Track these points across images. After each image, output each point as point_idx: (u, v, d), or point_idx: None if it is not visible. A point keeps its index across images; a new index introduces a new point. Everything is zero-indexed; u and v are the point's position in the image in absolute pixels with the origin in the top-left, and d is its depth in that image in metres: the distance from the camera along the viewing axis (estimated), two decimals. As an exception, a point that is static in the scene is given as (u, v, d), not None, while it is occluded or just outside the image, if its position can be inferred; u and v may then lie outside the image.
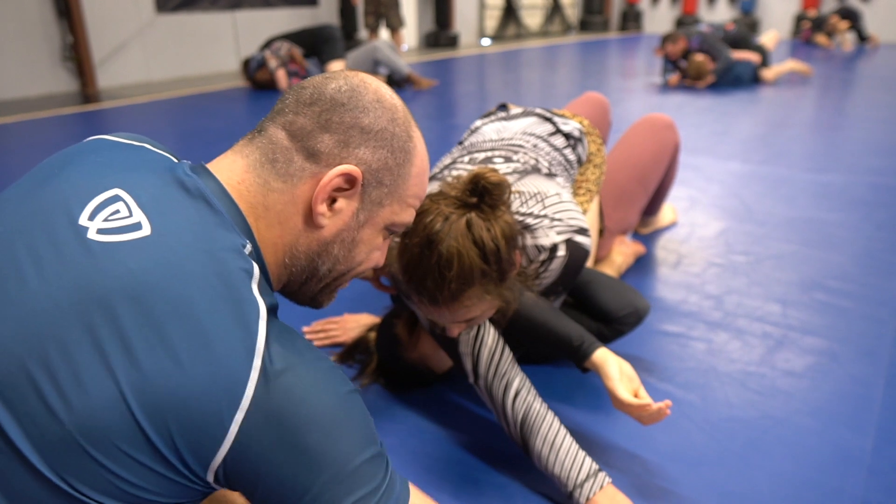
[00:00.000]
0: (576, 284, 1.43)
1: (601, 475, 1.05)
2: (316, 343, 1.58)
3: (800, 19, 9.82)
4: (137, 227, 0.59)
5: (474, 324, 1.11)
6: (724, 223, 2.36)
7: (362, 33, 7.54)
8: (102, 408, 0.53)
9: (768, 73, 5.47)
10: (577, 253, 1.25)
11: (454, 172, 1.38)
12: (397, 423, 1.30)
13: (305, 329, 1.63)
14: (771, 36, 5.85)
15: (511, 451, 1.21)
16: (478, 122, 1.68)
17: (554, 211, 1.26)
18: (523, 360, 1.47)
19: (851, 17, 8.43)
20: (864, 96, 5.02)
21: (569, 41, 10.38)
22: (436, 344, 1.35)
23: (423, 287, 0.99)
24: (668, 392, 1.39)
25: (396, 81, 5.44)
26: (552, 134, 1.58)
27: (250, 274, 0.60)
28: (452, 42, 9.07)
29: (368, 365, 1.45)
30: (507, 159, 1.42)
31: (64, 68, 5.56)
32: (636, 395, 1.09)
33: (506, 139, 1.52)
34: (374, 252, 0.76)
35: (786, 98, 4.94)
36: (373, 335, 1.49)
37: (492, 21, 10.45)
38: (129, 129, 4.11)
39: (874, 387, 1.39)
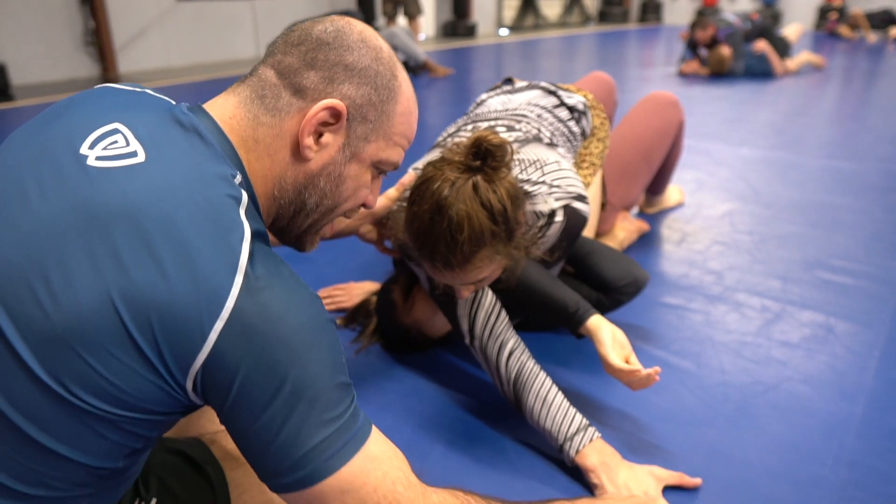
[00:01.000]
0: (576, 254, 1.46)
1: (591, 430, 1.09)
2: (322, 308, 1.63)
3: (825, 11, 9.70)
4: (133, 154, 0.63)
5: (483, 284, 1.13)
6: (730, 205, 2.37)
7: (380, 21, 7.57)
8: (91, 309, 0.57)
9: (790, 64, 5.44)
10: (574, 219, 1.28)
11: (456, 139, 1.42)
12: (395, 383, 1.34)
13: (312, 295, 1.68)
14: (794, 29, 5.80)
15: (504, 410, 1.24)
16: (483, 96, 1.71)
17: (553, 178, 1.29)
18: (523, 326, 1.51)
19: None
20: (884, 87, 4.96)
21: (587, 32, 10.33)
22: (430, 310, 1.39)
23: (436, 252, 1.01)
24: (663, 359, 1.41)
25: (412, 68, 5.47)
26: (556, 106, 1.60)
27: (238, 200, 0.64)
28: (470, 32, 9.07)
29: (368, 327, 1.49)
30: (510, 128, 1.45)
31: (86, 53, 5.66)
32: (627, 362, 1.13)
33: (510, 109, 1.55)
34: (361, 189, 0.79)
35: (803, 88, 4.91)
36: (374, 299, 1.53)
37: (510, 11, 10.43)
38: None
39: (869, 358, 1.41)
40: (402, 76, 0.78)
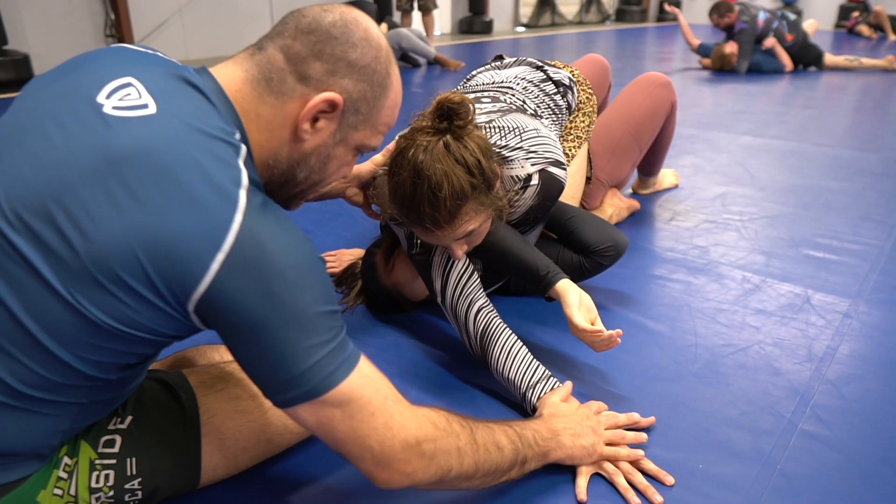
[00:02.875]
0: (558, 219, 1.50)
1: (553, 379, 1.13)
2: (313, 273, 1.69)
3: (847, 10, 9.60)
4: (145, 106, 0.71)
5: (475, 240, 1.18)
6: (724, 188, 2.40)
7: (396, 16, 7.65)
8: (109, 241, 0.65)
9: (832, 60, 5.46)
10: (550, 183, 1.32)
11: None
12: (377, 338, 1.40)
13: (304, 261, 1.74)
14: (808, 24, 5.77)
15: (474, 364, 1.29)
16: (473, 72, 1.76)
17: (530, 144, 1.34)
18: (501, 291, 1.56)
19: None
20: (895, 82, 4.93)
21: (605, 29, 10.32)
22: (410, 273, 1.44)
23: (423, 214, 1.06)
24: (639, 322, 1.46)
25: (412, 61, 5.52)
26: (543, 81, 1.65)
27: (238, 151, 0.73)
28: (487, 28, 9.11)
29: (354, 289, 1.55)
30: (495, 99, 1.50)
31: (106, 45, 5.79)
32: (592, 324, 1.18)
33: (497, 82, 1.60)
34: (343, 167, 0.88)
35: (814, 83, 4.89)
36: (360, 263, 1.59)
37: (527, 9, 10.44)
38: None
39: (842, 326, 1.44)
40: (395, 72, 0.85)
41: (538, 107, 1.57)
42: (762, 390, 1.22)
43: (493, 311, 1.23)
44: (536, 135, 1.36)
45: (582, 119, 1.73)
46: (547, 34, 9.35)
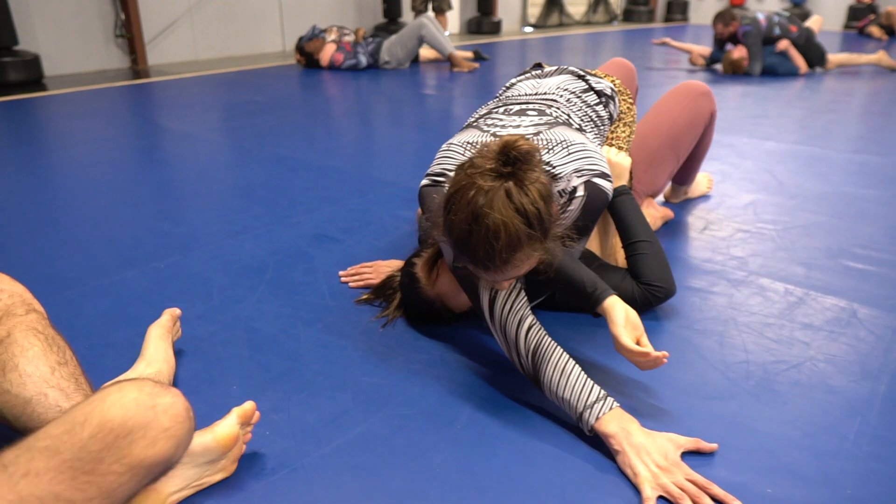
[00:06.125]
0: (630, 237, 1.48)
1: (609, 399, 1.11)
2: (351, 285, 1.67)
3: (857, 11, 9.58)
4: None
5: (521, 276, 1.17)
6: (754, 195, 2.38)
7: (406, 17, 7.62)
8: None
9: (835, 59, 5.45)
10: (595, 194, 1.30)
11: (489, 122, 1.45)
12: (422, 354, 1.38)
13: (341, 273, 1.72)
14: (814, 19, 5.75)
15: (523, 382, 1.27)
16: (513, 80, 1.74)
17: (576, 157, 1.32)
18: (543, 306, 1.54)
19: None
20: (913, 85, 4.90)
21: (612, 30, 10.30)
22: (455, 284, 1.42)
23: (476, 257, 1.05)
24: (686, 337, 1.44)
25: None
26: (585, 91, 1.63)
27: None
28: (495, 29, 9.09)
29: (392, 302, 1.53)
30: (541, 112, 1.48)
31: (116, 45, 5.77)
32: (639, 343, 1.17)
33: (540, 94, 1.58)
34: None
35: (831, 86, 4.86)
36: (398, 276, 1.57)
37: (535, 9, 10.42)
38: (176, 102, 4.27)
39: (892, 341, 1.42)
40: None
41: (582, 120, 1.55)
42: (821, 409, 1.20)
43: (542, 328, 1.21)
44: (583, 148, 1.34)
45: (623, 129, 1.71)
46: (555, 35, 9.32)
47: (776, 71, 5.27)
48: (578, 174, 1.29)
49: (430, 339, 1.44)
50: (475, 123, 1.49)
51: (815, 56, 5.35)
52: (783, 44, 5.22)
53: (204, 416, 1.16)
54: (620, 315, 1.20)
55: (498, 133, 1.40)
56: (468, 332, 1.47)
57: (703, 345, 1.41)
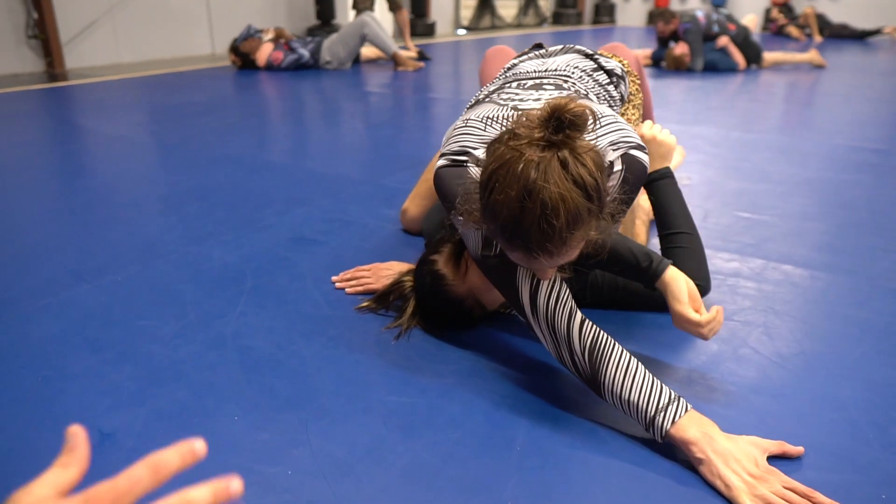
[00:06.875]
0: (671, 226, 1.34)
1: (683, 400, 0.97)
2: (348, 291, 1.47)
3: (770, 12, 10.00)
4: None
5: (572, 260, 1.02)
6: (739, 183, 2.32)
7: (340, 18, 7.39)
8: None
9: (770, 57, 5.56)
10: (633, 166, 1.15)
11: (503, 96, 1.29)
12: (453, 365, 1.20)
13: (334, 278, 1.52)
14: (749, 18, 5.91)
15: (574, 385, 1.12)
16: (514, 61, 1.59)
17: (609, 130, 1.18)
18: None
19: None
20: (840, 75, 5.08)
21: (543, 32, 10.36)
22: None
23: (531, 240, 0.89)
24: (731, 329, 1.32)
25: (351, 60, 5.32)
26: (595, 70, 1.50)
27: None
28: (429, 30, 8.98)
29: (406, 310, 1.34)
30: (559, 87, 1.33)
31: (28, 47, 5.30)
32: (698, 312, 1.11)
33: (551, 70, 1.43)
34: None
35: (771, 80, 4.98)
36: (408, 280, 1.38)
37: (467, 11, 10.38)
38: (104, 104, 3.91)
39: (938, 323, 1.35)
40: None
41: (598, 97, 1.41)
42: (900, 401, 1.09)
43: (593, 322, 1.06)
44: (614, 120, 1.20)
45: (632, 112, 1.59)
46: (487, 36, 9.30)
47: (717, 66, 5.36)
48: (614, 147, 1.15)
49: (455, 346, 1.26)
50: (488, 98, 1.33)
51: (752, 53, 5.48)
52: (723, 40, 5.32)
53: (205, 460, 0.95)
54: (683, 291, 1.13)
55: (519, 107, 1.24)
56: (495, 336, 1.30)
57: (751, 337, 1.29)
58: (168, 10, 6.25)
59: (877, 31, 8.64)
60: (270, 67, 5.32)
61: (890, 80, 4.98)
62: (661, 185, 1.35)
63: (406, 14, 6.27)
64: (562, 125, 0.87)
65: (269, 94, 4.29)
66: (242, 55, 5.32)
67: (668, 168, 1.36)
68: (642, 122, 1.63)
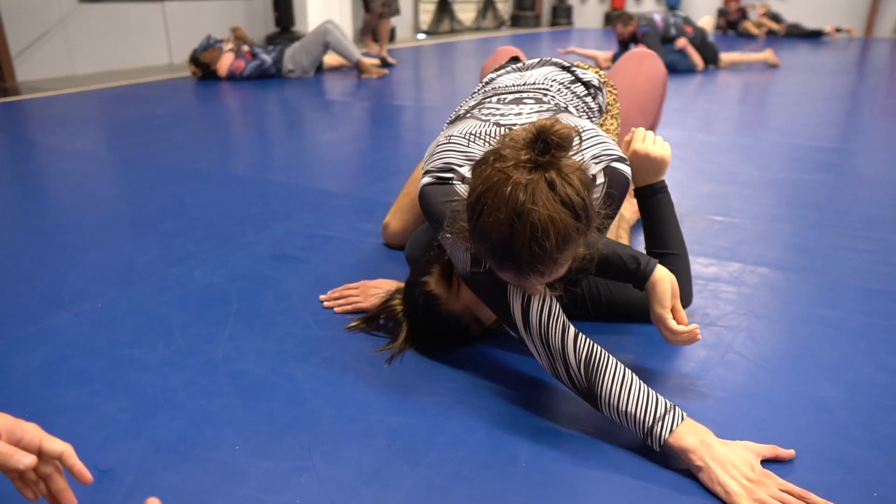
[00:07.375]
0: (659, 244, 1.37)
1: (678, 409, 1.00)
2: (337, 310, 1.46)
3: (725, 13, 10.28)
4: None
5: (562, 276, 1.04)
6: (708, 185, 2.38)
7: (300, 26, 7.33)
8: None
9: (735, 57, 5.71)
10: (616, 178, 1.18)
11: (484, 111, 1.31)
12: (448, 383, 1.21)
13: (322, 297, 1.51)
14: (705, 20, 6.07)
15: (568, 398, 1.14)
16: (492, 75, 1.60)
17: (591, 143, 1.20)
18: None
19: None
20: (787, 77, 5.25)
21: (502, 35, 10.45)
22: None
23: (521, 262, 0.92)
24: (717, 334, 1.35)
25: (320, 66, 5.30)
26: (573, 82, 1.52)
27: None
28: (390, 35, 8.96)
29: (398, 334, 1.33)
30: (538, 100, 1.35)
31: (-22, 60, 5.12)
32: (674, 310, 1.16)
33: (529, 83, 1.45)
34: None
35: (728, 80, 5.11)
36: (397, 302, 1.37)
37: (426, 16, 10.40)
38: (62, 119, 3.81)
39: (908, 320, 1.41)
40: None
41: (577, 109, 1.44)
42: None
43: (586, 335, 1.08)
44: (596, 133, 1.23)
45: (610, 122, 1.62)
46: (448, 40, 9.33)
47: (676, 68, 5.48)
48: (597, 160, 1.17)
49: (448, 365, 1.26)
50: (469, 114, 1.34)
51: (709, 54, 5.62)
52: (681, 42, 5.44)
53: (208, 487, 0.94)
54: (667, 296, 1.16)
55: (500, 122, 1.26)
56: (487, 352, 1.31)
57: (736, 341, 1.33)
58: (123, 19, 6.11)
59: (819, 33, 8.95)
60: (232, 77, 5.25)
61: (840, 79, 5.16)
62: (654, 201, 1.36)
63: (387, 23, 6.24)
64: (548, 147, 0.89)
65: (232, 105, 4.23)
66: (203, 66, 5.24)
67: (662, 182, 1.38)
68: (619, 132, 1.66)
